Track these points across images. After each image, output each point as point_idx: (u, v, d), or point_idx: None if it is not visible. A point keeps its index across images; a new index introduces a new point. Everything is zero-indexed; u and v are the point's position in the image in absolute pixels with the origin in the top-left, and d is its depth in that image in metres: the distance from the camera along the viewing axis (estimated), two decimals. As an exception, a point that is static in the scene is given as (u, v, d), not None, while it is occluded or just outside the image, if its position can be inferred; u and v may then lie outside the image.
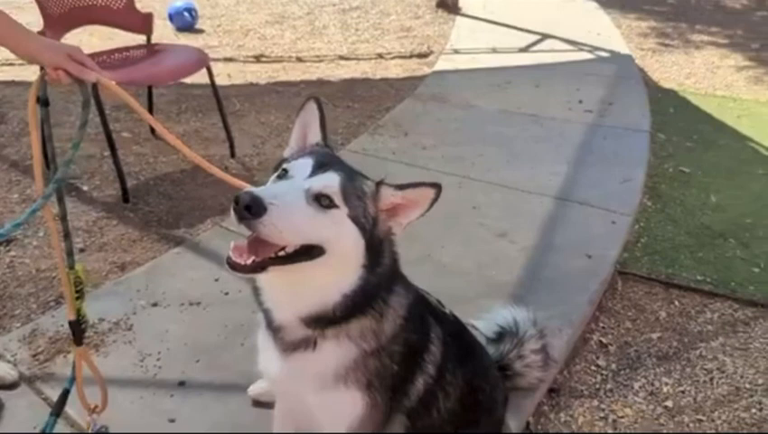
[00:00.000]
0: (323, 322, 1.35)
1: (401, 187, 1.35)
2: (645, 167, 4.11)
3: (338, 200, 1.26)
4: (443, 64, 6.16)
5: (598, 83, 5.68)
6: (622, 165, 4.05)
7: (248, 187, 1.21)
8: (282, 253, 1.24)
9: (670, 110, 5.38)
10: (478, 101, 5.18)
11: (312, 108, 1.47)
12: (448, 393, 1.60)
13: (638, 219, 3.59)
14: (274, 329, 1.44)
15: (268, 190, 1.20)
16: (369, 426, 1.48)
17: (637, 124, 4.82)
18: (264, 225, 1.14)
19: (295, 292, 1.35)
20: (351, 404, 1.44)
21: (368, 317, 1.39)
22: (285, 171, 1.31)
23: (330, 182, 1.26)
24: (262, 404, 2.10)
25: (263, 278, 1.40)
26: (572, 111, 5.02)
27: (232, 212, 1.15)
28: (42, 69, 1.66)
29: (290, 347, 1.42)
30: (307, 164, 1.31)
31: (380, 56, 6.43)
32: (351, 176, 1.32)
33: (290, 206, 1.18)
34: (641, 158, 4.23)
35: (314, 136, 1.48)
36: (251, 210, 1.12)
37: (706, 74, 6.35)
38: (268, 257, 1.23)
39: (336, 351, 1.40)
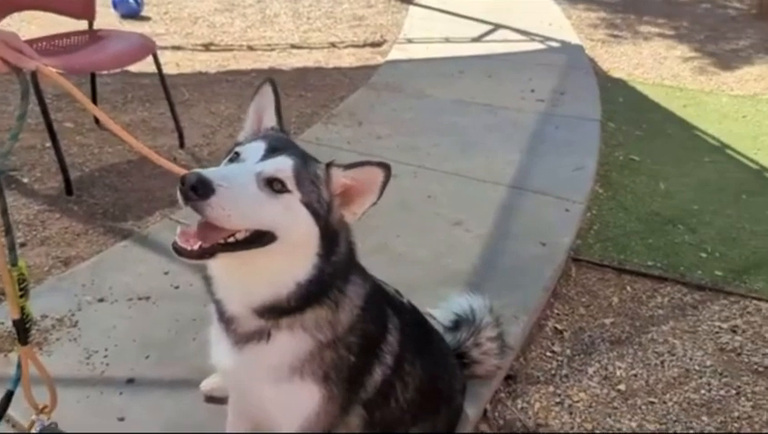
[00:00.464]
0: (276, 312, 1.31)
1: (349, 167, 1.30)
2: (596, 155, 4.17)
3: (290, 184, 1.21)
4: (396, 53, 6.13)
5: (550, 73, 5.75)
6: (574, 154, 4.10)
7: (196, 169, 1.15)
8: (232, 239, 1.18)
9: (620, 99, 5.49)
10: (432, 91, 5.17)
11: (267, 91, 1.43)
12: (407, 383, 1.57)
13: (590, 206, 3.64)
14: (226, 321, 1.39)
15: (218, 171, 1.15)
16: (325, 419, 1.44)
17: (588, 113, 4.89)
18: (211, 207, 1.08)
19: (247, 281, 1.30)
20: (306, 397, 1.41)
21: (323, 307, 1.35)
22: (237, 154, 1.26)
23: (282, 165, 1.22)
24: (215, 400, 2.04)
25: (214, 267, 1.35)
26: (525, 101, 5.07)
27: (178, 192, 1.09)
28: None
29: (243, 339, 1.37)
30: (260, 147, 1.26)
31: (333, 45, 6.36)
32: (305, 161, 1.28)
33: (239, 189, 1.13)
34: (592, 147, 4.30)
35: (270, 121, 1.43)
36: (198, 191, 1.07)
37: (653, 65, 6.49)
38: (217, 243, 1.18)
39: (291, 342, 1.35)
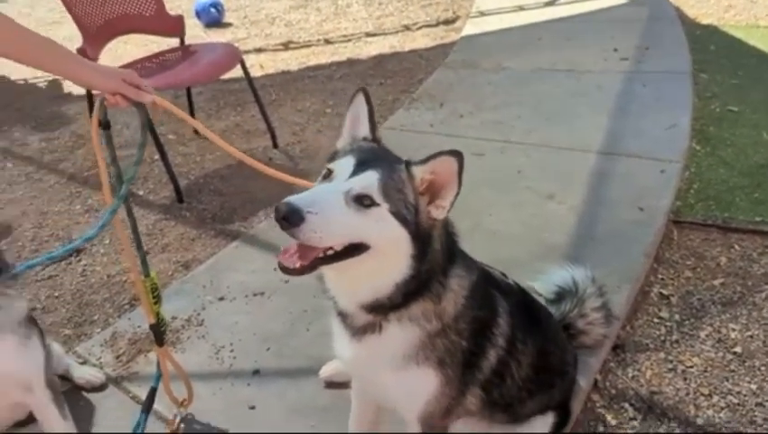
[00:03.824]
0: (381, 309, 1.40)
1: (425, 161, 1.35)
2: (690, 110, 4.02)
3: (378, 198, 1.28)
4: (470, 28, 6.08)
5: (632, 28, 5.54)
6: (665, 111, 3.97)
7: (291, 186, 1.24)
8: (330, 252, 1.29)
9: (711, 48, 5.22)
10: (510, 62, 5.12)
11: (360, 100, 1.49)
12: (520, 362, 1.64)
13: (688, 165, 3.53)
14: (341, 315, 1.51)
15: (307, 197, 1.24)
16: (444, 401, 1.53)
17: (677, 66, 4.70)
18: (303, 233, 1.20)
19: (350, 284, 1.41)
20: (425, 382, 1.50)
21: (427, 300, 1.42)
22: (330, 171, 1.36)
23: (369, 181, 1.29)
24: (335, 385, 2.19)
25: (323, 269, 1.45)
26: (607, 61, 4.93)
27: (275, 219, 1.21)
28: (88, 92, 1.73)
29: (359, 332, 1.48)
30: (349, 163, 1.34)
31: (407, 28, 6.38)
32: (392, 170, 1.33)
33: (328, 212, 1.23)
34: (684, 102, 4.14)
35: (363, 130, 1.49)
36: (289, 220, 1.18)
37: (746, 5, 6.10)
38: (316, 258, 1.29)
39: (401, 333, 1.45)
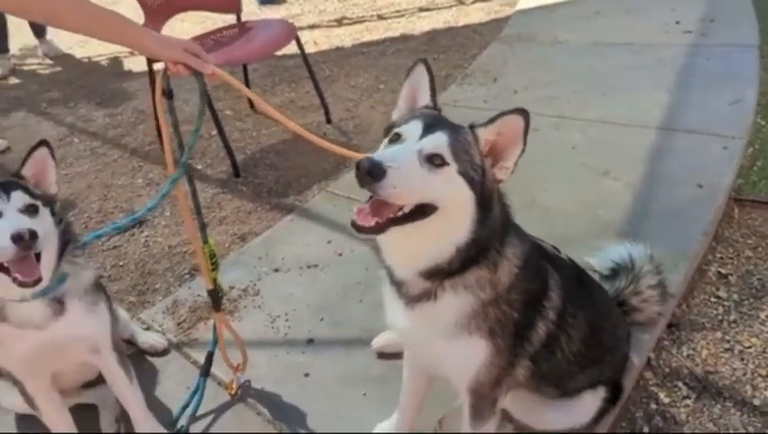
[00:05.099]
0: (440, 274, 1.43)
1: (489, 122, 1.39)
2: (756, 85, 3.85)
3: (448, 157, 1.32)
4: (526, 2, 5.95)
5: (696, 0, 5.32)
6: (729, 86, 3.82)
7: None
8: (400, 214, 1.32)
9: (782, 19, 4.97)
10: (567, 36, 5.01)
11: (421, 70, 1.52)
12: (571, 336, 1.64)
13: (752, 141, 3.40)
14: (396, 284, 1.53)
15: (385, 154, 1.28)
16: (494, 371, 1.55)
17: (744, 39, 4.49)
18: (383, 188, 1.22)
19: (412, 249, 1.43)
20: (475, 350, 1.52)
21: (483, 268, 1.44)
22: (398, 135, 1.39)
23: (439, 141, 1.33)
24: (386, 356, 2.24)
25: (382, 238, 1.48)
26: (669, 34, 4.76)
27: (355, 177, 1.24)
28: (150, 63, 1.80)
29: (413, 300, 1.50)
30: (417, 126, 1.37)
31: (461, 2, 6.29)
32: (458, 133, 1.37)
33: (406, 167, 1.26)
34: (750, 76, 3.97)
35: (424, 98, 1.53)
36: (372, 174, 1.21)
37: (819, -27, 5.78)
38: (388, 218, 1.31)
39: (455, 301, 1.47)
